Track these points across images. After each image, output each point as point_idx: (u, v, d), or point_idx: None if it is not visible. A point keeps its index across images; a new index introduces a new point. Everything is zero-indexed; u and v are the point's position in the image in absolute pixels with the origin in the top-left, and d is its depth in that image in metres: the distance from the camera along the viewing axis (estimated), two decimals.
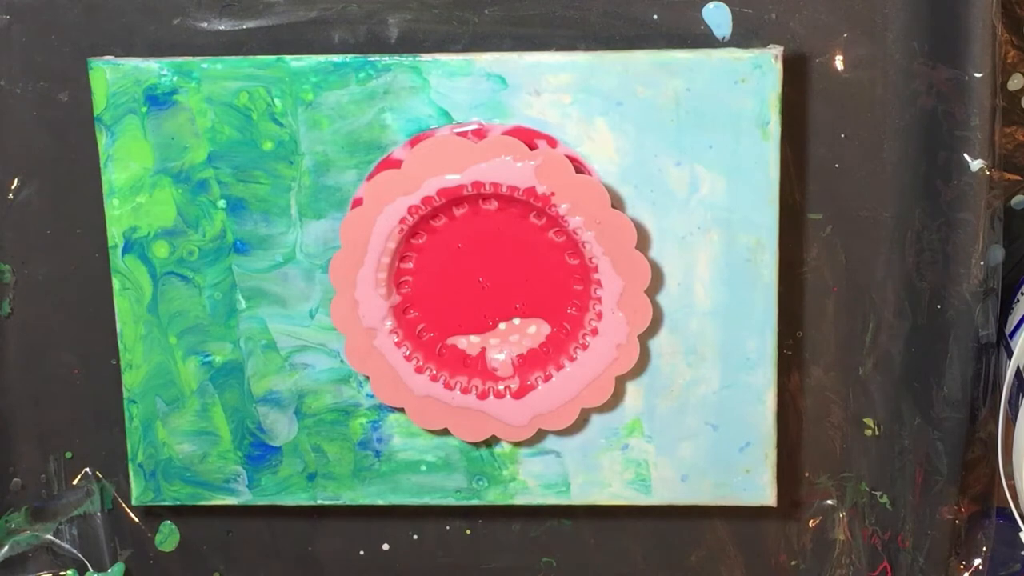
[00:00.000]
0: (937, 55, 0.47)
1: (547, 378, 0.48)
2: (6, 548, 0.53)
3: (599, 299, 0.47)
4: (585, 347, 0.47)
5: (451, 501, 0.50)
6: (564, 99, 0.46)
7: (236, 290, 0.48)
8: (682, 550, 0.53)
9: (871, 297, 0.50)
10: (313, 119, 0.47)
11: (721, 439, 0.48)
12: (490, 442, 0.49)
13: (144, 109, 0.47)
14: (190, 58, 0.47)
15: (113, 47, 0.49)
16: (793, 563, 0.53)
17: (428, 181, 0.45)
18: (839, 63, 0.48)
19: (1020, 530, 0.48)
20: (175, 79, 0.47)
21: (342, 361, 0.49)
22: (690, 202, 0.47)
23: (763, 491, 0.49)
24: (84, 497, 0.53)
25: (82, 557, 0.54)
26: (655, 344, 0.48)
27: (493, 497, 0.50)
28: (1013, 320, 0.49)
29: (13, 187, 0.51)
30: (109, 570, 0.54)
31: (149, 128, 0.47)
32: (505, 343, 0.48)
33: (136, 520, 0.54)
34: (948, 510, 0.50)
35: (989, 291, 0.47)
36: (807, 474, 0.52)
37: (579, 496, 0.49)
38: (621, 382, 0.48)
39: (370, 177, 0.47)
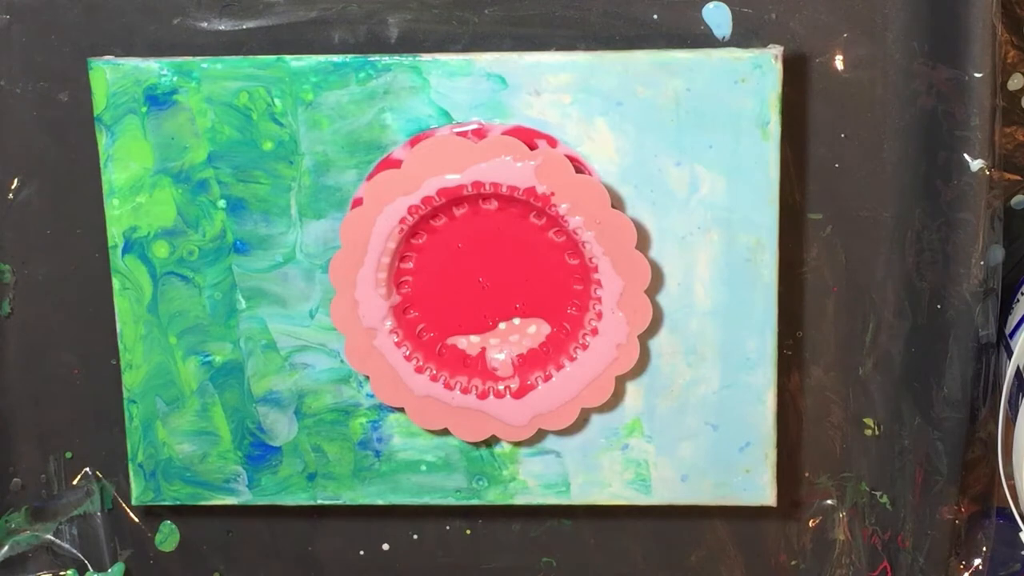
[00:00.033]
0: (937, 55, 0.47)
1: (547, 378, 0.48)
2: (6, 548, 0.53)
3: (599, 299, 0.47)
4: (585, 347, 0.47)
5: (451, 501, 0.50)
6: (564, 99, 0.46)
7: (236, 290, 0.48)
8: (682, 550, 0.53)
9: (871, 297, 0.50)
10: (313, 119, 0.47)
11: (721, 439, 0.48)
12: (490, 442, 0.49)
13: (144, 109, 0.47)
14: (190, 58, 0.47)
15: (113, 47, 0.49)
16: (793, 563, 0.53)
17: (428, 181, 0.45)
18: (839, 63, 0.48)
19: (1020, 530, 0.48)
20: (175, 79, 0.47)
21: (342, 361, 0.49)
22: (690, 202, 0.47)
23: (763, 491, 0.49)
24: (84, 497, 0.53)
25: (82, 557, 0.54)
26: (655, 344, 0.48)
27: (493, 497, 0.50)
28: (1013, 320, 0.49)
29: (13, 187, 0.51)
30: (109, 570, 0.54)
31: (149, 128, 0.47)
32: (505, 343, 0.48)
33: (136, 520, 0.54)
34: (948, 510, 0.50)
35: (989, 291, 0.47)
36: (807, 474, 0.52)
37: (579, 496, 0.49)
38: (621, 382, 0.48)
39: (370, 177, 0.47)
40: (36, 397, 0.52)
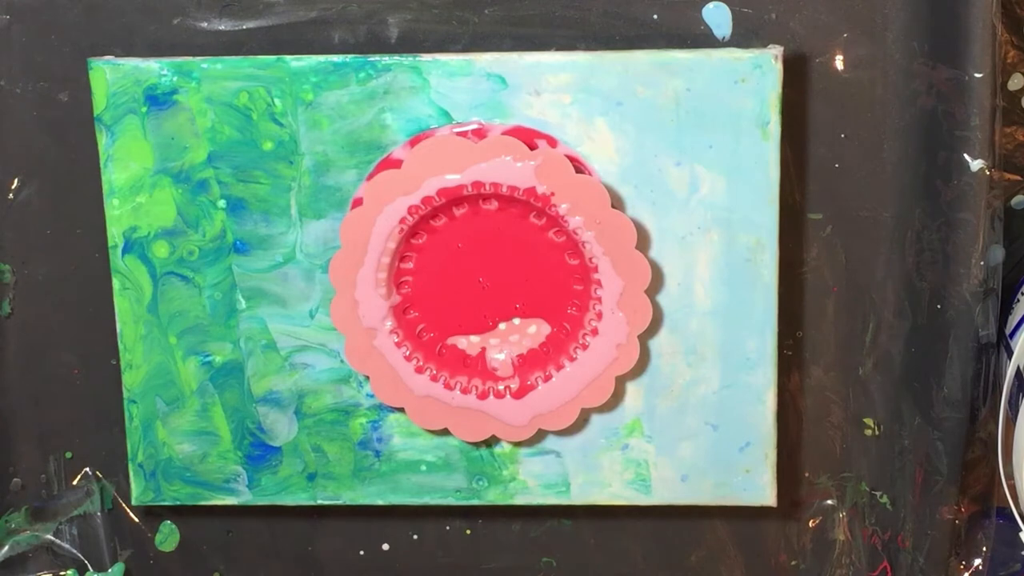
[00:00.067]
0: (937, 55, 0.47)
1: (547, 378, 0.48)
2: (6, 548, 0.53)
3: (599, 299, 0.47)
4: (585, 347, 0.47)
5: (451, 501, 0.50)
6: (564, 99, 0.46)
7: (236, 290, 0.48)
8: (682, 550, 0.53)
9: (871, 297, 0.50)
10: (313, 119, 0.47)
11: (721, 439, 0.48)
12: (490, 442, 0.49)
13: (144, 109, 0.47)
14: (190, 58, 0.47)
15: (113, 47, 0.49)
16: (793, 563, 0.53)
17: (428, 181, 0.45)
18: (839, 63, 0.48)
19: (1020, 530, 0.48)
20: (175, 79, 0.47)
21: (342, 361, 0.49)
22: (690, 202, 0.47)
23: (763, 491, 0.49)
24: (84, 497, 0.53)
25: (82, 557, 0.54)
26: (655, 344, 0.48)
27: (493, 497, 0.50)
28: (1013, 320, 0.49)
29: (13, 187, 0.51)
30: (109, 570, 0.54)
31: (149, 128, 0.47)
32: (505, 343, 0.48)
33: (136, 520, 0.54)
34: (948, 510, 0.50)
35: (989, 291, 0.47)
36: (807, 474, 0.52)
37: (579, 496, 0.49)
38: (621, 382, 0.48)
39: (370, 177, 0.47)
40: (36, 397, 0.52)
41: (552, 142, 0.46)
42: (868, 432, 0.51)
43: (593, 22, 0.48)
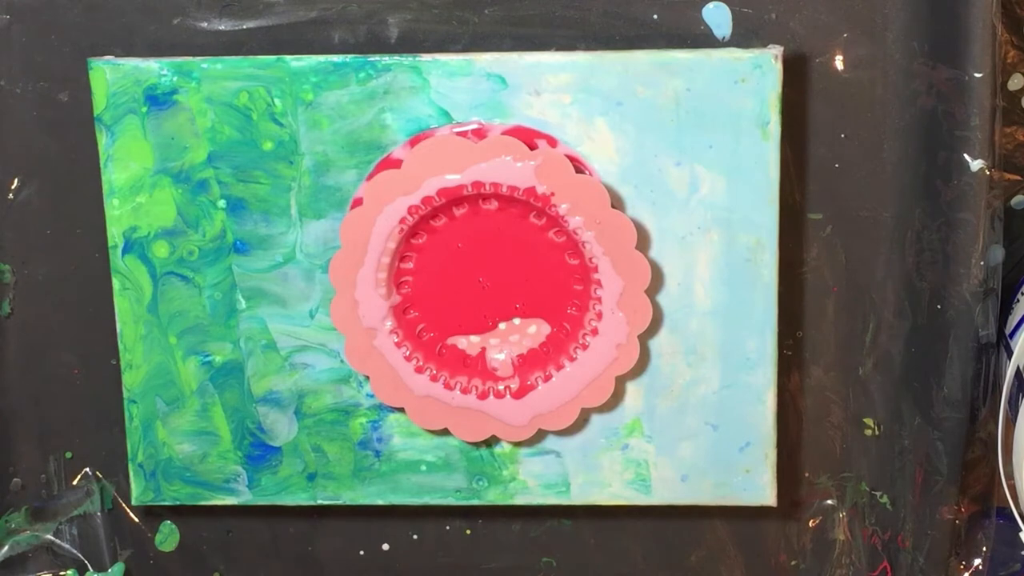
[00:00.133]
0: (937, 55, 0.47)
1: (547, 378, 0.48)
2: (6, 548, 0.53)
3: (599, 299, 0.47)
4: (585, 347, 0.47)
5: (451, 501, 0.50)
6: (564, 99, 0.46)
7: (236, 290, 0.48)
8: (682, 550, 0.53)
9: (871, 297, 0.50)
10: (313, 119, 0.47)
11: (721, 439, 0.48)
12: (490, 442, 0.49)
13: (144, 109, 0.47)
14: (190, 58, 0.47)
15: (113, 47, 0.49)
16: (793, 563, 0.53)
17: (428, 181, 0.45)
18: (839, 63, 0.48)
19: (1020, 530, 0.48)
20: (175, 79, 0.47)
21: (342, 361, 0.49)
22: (690, 202, 0.47)
23: (763, 491, 0.49)
24: (84, 497, 0.53)
25: (82, 557, 0.54)
26: (655, 344, 0.48)
27: (493, 497, 0.50)
28: (1013, 320, 0.49)
29: (13, 187, 0.51)
30: (109, 570, 0.54)
31: (149, 128, 0.47)
32: (505, 343, 0.48)
33: (136, 520, 0.54)
34: (948, 510, 0.50)
35: (989, 291, 0.47)
36: (807, 474, 0.52)
37: (579, 496, 0.49)
38: (621, 382, 0.48)
39: (370, 177, 0.47)
40: (36, 397, 0.52)
41: (552, 142, 0.46)
42: (868, 432, 0.51)
43: (593, 22, 0.48)
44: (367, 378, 0.48)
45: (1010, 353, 0.48)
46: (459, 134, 0.46)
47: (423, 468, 0.49)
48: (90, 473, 0.53)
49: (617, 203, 0.47)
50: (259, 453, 0.50)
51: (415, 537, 0.53)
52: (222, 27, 0.49)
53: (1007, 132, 0.50)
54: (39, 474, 0.53)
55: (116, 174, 0.47)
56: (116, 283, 0.48)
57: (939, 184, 0.47)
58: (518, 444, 0.49)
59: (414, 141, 0.46)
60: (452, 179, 0.45)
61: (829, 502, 0.52)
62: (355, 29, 0.49)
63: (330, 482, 0.50)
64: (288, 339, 0.49)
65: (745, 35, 0.48)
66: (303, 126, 0.47)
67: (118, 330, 0.49)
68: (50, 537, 0.53)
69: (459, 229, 0.47)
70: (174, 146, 0.47)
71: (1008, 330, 0.49)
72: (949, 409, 0.48)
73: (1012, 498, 0.48)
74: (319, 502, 0.50)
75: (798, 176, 0.49)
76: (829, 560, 0.53)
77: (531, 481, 0.49)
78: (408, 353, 0.48)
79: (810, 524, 0.53)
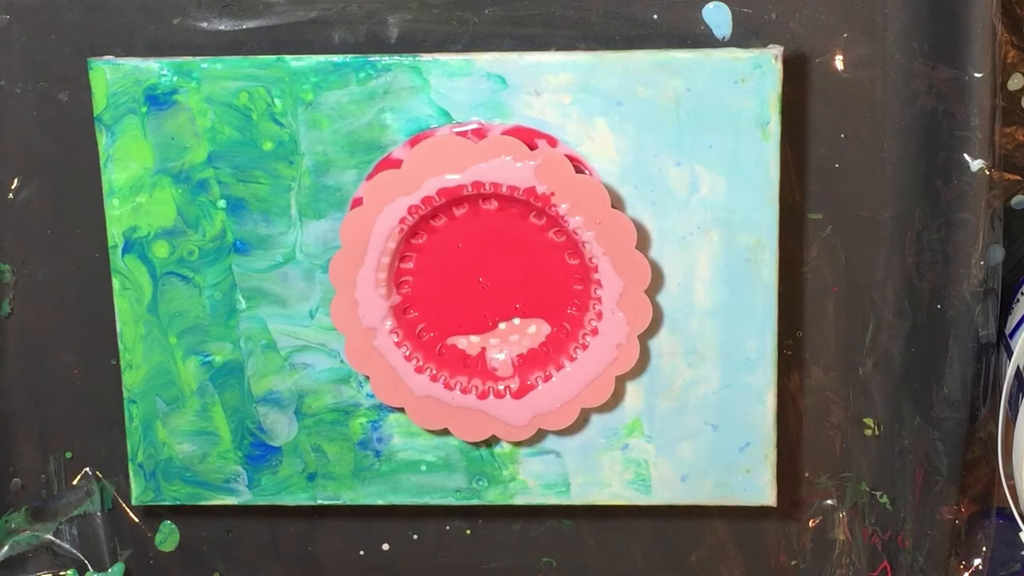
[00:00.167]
0: (937, 55, 0.47)
1: (547, 378, 0.48)
2: (6, 548, 0.53)
3: (599, 299, 0.47)
4: (585, 347, 0.47)
5: (451, 501, 0.50)
6: (564, 99, 0.46)
7: (236, 290, 0.48)
8: (682, 550, 0.53)
9: (871, 297, 0.50)
10: (313, 119, 0.47)
11: (721, 439, 0.48)
12: (490, 442, 0.49)
13: (144, 109, 0.47)
14: (190, 58, 0.47)
15: (113, 47, 0.49)
16: (793, 563, 0.53)
17: (428, 181, 0.45)
18: (839, 63, 0.48)
19: (1020, 530, 0.48)
20: (175, 79, 0.47)
21: (342, 361, 0.49)
22: (690, 202, 0.47)
23: (763, 491, 0.49)
24: (84, 497, 0.53)
25: (82, 557, 0.54)
26: (655, 344, 0.48)
27: (493, 497, 0.50)
28: (1013, 320, 0.49)
29: (13, 187, 0.51)
30: (109, 570, 0.54)
31: (149, 128, 0.47)
32: (505, 343, 0.48)
33: (136, 520, 0.54)
34: (948, 510, 0.50)
35: (989, 291, 0.47)
36: (807, 474, 0.52)
37: (579, 496, 0.49)
38: (621, 382, 0.48)
39: (370, 177, 0.47)
40: (36, 397, 0.52)
41: (552, 142, 0.46)
42: (868, 432, 0.51)
43: (593, 22, 0.48)
44: (367, 378, 0.48)
45: (1010, 353, 0.48)
46: (459, 134, 0.46)
47: (423, 468, 0.49)
48: (90, 473, 0.53)
49: (617, 203, 0.47)
50: (259, 453, 0.50)
51: (415, 537, 0.53)
52: (222, 27, 0.49)
53: (1007, 132, 0.50)
54: (39, 474, 0.53)
55: (116, 174, 0.47)
56: (116, 283, 0.48)
57: (939, 184, 0.47)
58: (518, 444, 0.49)
59: (414, 141, 0.46)
60: (452, 179, 0.45)
61: (829, 502, 0.52)
62: (355, 29, 0.49)
63: (330, 482, 0.50)
64: (288, 339, 0.49)
65: (745, 35, 0.48)
66: (303, 126, 0.47)
67: (118, 330, 0.49)
68: (50, 537, 0.53)
69: (459, 229, 0.47)
70: (174, 146, 0.47)
71: (1008, 330, 0.49)
72: (949, 409, 0.48)
73: (1012, 498, 0.48)
74: (319, 502, 0.50)
75: (798, 176, 0.49)
76: (829, 560, 0.53)
77: (531, 481, 0.49)
78: (408, 353, 0.48)
79: (810, 524, 0.53)
